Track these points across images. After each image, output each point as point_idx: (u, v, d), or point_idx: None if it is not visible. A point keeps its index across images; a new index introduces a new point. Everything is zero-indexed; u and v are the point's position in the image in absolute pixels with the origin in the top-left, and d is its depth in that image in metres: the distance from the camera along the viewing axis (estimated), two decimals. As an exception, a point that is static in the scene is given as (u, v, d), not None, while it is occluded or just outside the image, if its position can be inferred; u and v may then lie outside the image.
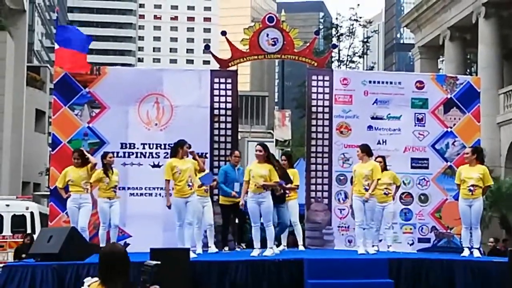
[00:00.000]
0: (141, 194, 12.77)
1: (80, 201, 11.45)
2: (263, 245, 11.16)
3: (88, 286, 5.04)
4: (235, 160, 12.55)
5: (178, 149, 11.14)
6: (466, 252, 11.35)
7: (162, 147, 12.85)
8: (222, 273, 9.74)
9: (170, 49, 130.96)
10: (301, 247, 12.49)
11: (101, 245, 11.60)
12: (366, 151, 11.69)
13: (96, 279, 5.03)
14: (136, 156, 12.93)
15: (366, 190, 11.37)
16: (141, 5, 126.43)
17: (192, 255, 10.59)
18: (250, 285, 9.73)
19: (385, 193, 12.11)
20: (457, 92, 13.60)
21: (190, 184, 11.01)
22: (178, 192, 10.95)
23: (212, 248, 11.96)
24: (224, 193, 12.41)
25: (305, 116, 14.33)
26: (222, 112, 13.18)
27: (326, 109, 13.45)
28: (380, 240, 12.30)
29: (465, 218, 11.34)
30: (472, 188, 11.19)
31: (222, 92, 13.21)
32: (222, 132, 13.17)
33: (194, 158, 11.39)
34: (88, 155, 11.85)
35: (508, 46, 31.21)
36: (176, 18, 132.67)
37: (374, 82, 13.64)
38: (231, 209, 12.45)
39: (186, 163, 11.10)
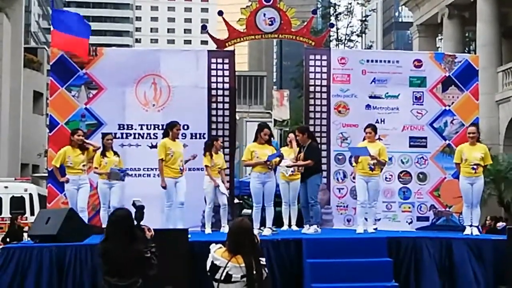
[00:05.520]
0: (139, 175, 12.71)
1: (79, 182, 11.42)
2: (262, 225, 11.16)
3: (214, 251, 5.61)
4: None
5: (168, 130, 11.24)
6: (468, 231, 11.34)
7: (160, 128, 12.75)
8: (220, 253, 9.72)
9: (168, 29, 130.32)
10: (294, 227, 12.37)
11: (103, 226, 11.56)
12: (375, 130, 11.80)
13: (220, 245, 5.66)
14: (134, 137, 12.88)
15: (371, 169, 11.42)
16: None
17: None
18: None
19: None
20: (456, 70, 13.53)
21: (181, 168, 11.06)
22: (169, 173, 11.07)
23: (225, 228, 11.40)
24: None
25: (303, 96, 14.26)
26: (220, 92, 13.10)
27: (324, 89, 13.39)
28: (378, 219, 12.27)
29: (466, 196, 11.36)
30: (475, 166, 11.22)
31: (220, 73, 13.12)
32: (220, 112, 13.10)
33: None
34: (89, 141, 11.84)
35: (507, 24, 31.09)
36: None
37: (372, 61, 13.57)
38: None
39: (179, 146, 11.18)
